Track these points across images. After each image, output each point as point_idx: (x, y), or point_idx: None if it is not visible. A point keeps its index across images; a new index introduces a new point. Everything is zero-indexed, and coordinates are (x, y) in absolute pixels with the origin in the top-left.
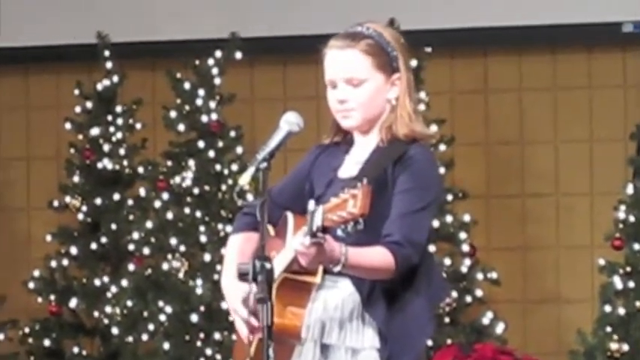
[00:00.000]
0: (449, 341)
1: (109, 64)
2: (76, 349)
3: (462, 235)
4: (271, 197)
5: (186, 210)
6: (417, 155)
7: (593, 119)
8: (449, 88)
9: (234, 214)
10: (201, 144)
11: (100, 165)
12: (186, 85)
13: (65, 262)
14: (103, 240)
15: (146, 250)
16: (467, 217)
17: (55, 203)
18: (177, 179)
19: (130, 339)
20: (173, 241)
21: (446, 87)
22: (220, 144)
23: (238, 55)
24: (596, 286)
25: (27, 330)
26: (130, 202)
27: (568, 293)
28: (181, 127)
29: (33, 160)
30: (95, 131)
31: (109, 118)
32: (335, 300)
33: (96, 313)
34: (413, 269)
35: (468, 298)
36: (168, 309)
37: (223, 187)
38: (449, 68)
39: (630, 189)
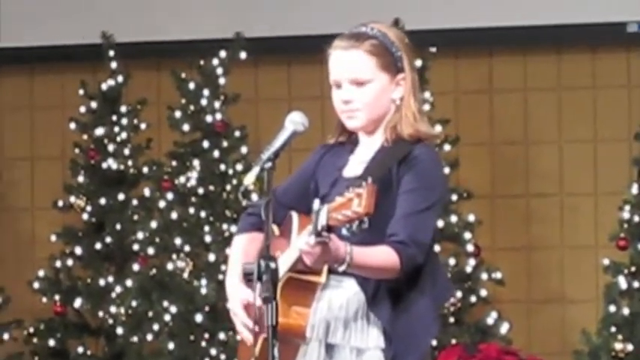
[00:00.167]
0: (453, 341)
1: (113, 64)
2: (80, 349)
3: (467, 235)
4: (276, 197)
5: (191, 210)
6: (422, 155)
7: (597, 119)
8: (453, 88)
9: (239, 214)
10: (205, 144)
11: (104, 165)
12: (191, 85)
13: (70, 262)
14: (108, 240)
15: (151, 250)
16: (471, 217)
17: (60, 203)
18: (182, 179)
19: (135, 339)
20: (178, 241)
21: (450, 87)
22: (225, 144)
23: (243, 55)
24: (600, 286)
25: (32, 330)
26: (135, 202)
27: (572, 293)
28: (186, 127)
29: (37, 160)
30: (100, 131)
31: (114, 118)
32: (340, 299)
33: (100, 313)
34: (418, 269)
35: (473, 298)
36: (173, 309)
37: (228, 187)
38: (453, 68)
39: (635, 189)
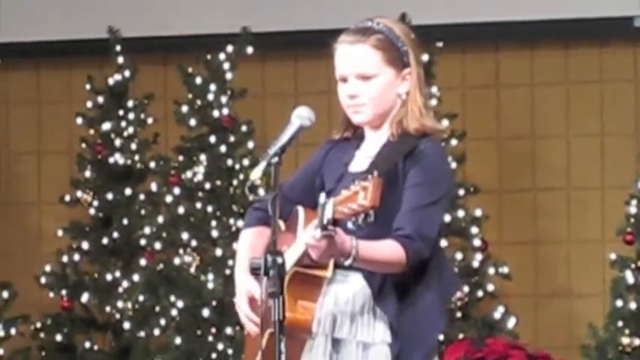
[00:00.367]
0: (460, 336)
1: (120, 59)
2: (87, 344)
3: (474, 230)
4: (282, 192)
5: (198, 205)
6: (428, 150)
7: (604, 113)
8: (460, 83)
9: (246, 209)
10: (212, 139)
11: (111, 160)
12: (198, 80)
13: (77, 257)
14: (115, 235)
15: (157, 245)
16: (478, 212)
17: (67, 198)
18: (189, 174)
19: (142, 334)
20: (184, 235)
21: (457, 82)
22: (232, 139)
23: (249, 49)
24: (607, 281)
25: (39, 325)
26: (142, 196)
27: (579, 288)
28: (193, 122)
29: (44, 155)
30: (107, 126)
31: (121, 112)
32: (346, 294)
33: (107, 308)
34: (424, 263)
35: (480, 293)
36: (180, 304)
37: (235, 182)
38: (460, 63)
39: None
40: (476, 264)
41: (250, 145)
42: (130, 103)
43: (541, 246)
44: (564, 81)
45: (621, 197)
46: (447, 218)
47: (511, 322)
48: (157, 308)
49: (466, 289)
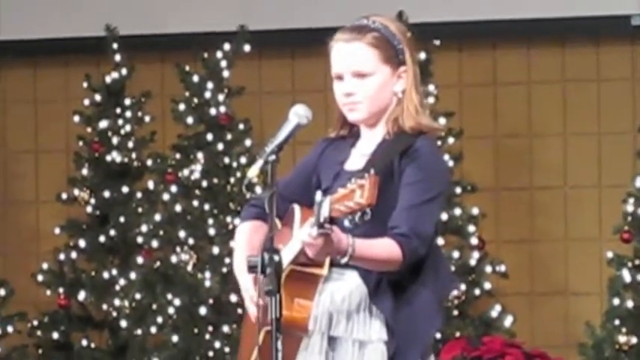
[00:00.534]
0: (457, 334)
1: (117, 57)
2: (84, 342)
3: (471, 228)
4: (278, 190)
5: (195, 203)
6: (424, 148)
7: (601, 112)
8: (457, 81)
9: (243, 207)
10: (209, 137)
11: (108, 158)
12: (195, 78)
13: (74, 254)
14: (112, 233)
15: (155, 243)
16: (475, 210)
17: (64, 196)
18: (186, 172)
19: (139, 332)
20: (182, 233)
21: (454, 80)
22: (229, 137)
23: (247, 47)
24: (604, 279)
25: (35, 323)
26: (139, 194)
27: (577, 286)
28: (190, 120)
29: (41, 153)
30: (104, 124)
31: (118, 110)
32: (342, 292)
33: (104, 306)
34: (420, 261)
35: (477, 291)
36: (177, 302)
37: (232, 180)
38: (457, 61)
39: (639, 182)
40: (473, 262)
41: (247, 143)
42: (127, 101)
43: (538, 244)
44: (561, 79)
45: (618, 195)
46: (444, 216)
47: (508, 321)
48: (154, 306)
49: (463, 287)
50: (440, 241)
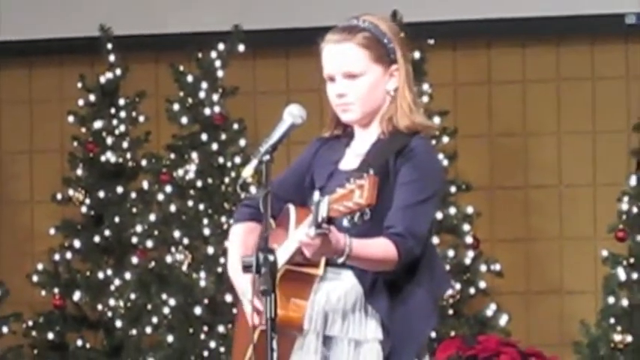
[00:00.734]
0: (452, 333)
1: (111, 57)
2: (79, 342)
3: (466, 227)
4: (272, 188)
5: (190, 203)
6: (419, 147)
7: (596, 111)
8: (452, 80)
9: (236, 207)
10: (204, 137)
11: (103, 158)
12: (189, 78)
13: (69, 255)
14: (107, 233)
15: (149, 243)
16: (470, 209)
17: (59, 196)
18: (181, 172)
19: (134, 332)
20: (176, 233)
21: (449, 79)
22: (223, 136)
23: (241, 47)
24: (599, 278)
25: (30, 323)
26: (134, 194)
27: (571, 285)
28: (184, 120)
29: (36, 154)
30: (98, 124)
31: (112, 110)
32: (338, 292)
33: (99, 306)
34: (415, 261)
35: (472, 290)
36: (172, 302)
37: (226, 180)
38: (452, 60)
39: (633, 180)
40: (467, 261)
41: (242, 142)
42: (122, 101)
43: (533, 243)
44: (556, 78)
45: (613, 194)
46: (439, 215)
47: (503, 320)
48: (149, 306)
49: (458, 286)
50: (435, 240)
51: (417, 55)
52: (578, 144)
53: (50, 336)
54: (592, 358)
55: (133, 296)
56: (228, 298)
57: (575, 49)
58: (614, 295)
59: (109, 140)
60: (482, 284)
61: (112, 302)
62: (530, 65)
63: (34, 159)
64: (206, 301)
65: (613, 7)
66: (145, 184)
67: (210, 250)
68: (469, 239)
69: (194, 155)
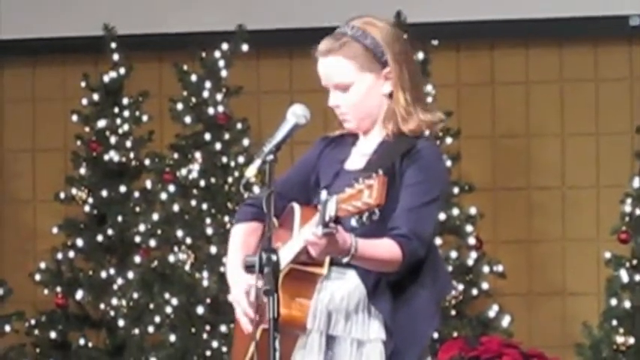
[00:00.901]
0: (455, 334)
1: (115, 56)
2: (82, 341)
3: (469, 228)
4: (276, 187)
5: (193, 202)
6: (425, 150)
7: (599, 112)
8: (455, 81)
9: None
10: (207, 136)
11: (106, 157)
12: (193, 78)
13: (71, 254)
14: (109, 232)
15: (152, 243)
16: (473, 210)
17: (62, 195)
18: (184, 171)
19: (136, 331)
20: (179, 233)
21: (452, 80)
22: (227, 136)
23: (245, 47)
24: (602, 280)
25: (33, 322)
26: (137, 194)
27: (574, 286)
28: (188, 120)
29: (39, 152)
30: (102, 123)
31: (116, 110)
32: (341, 292)
33: (102, 305)
34: (419, 263)
35: (474, 291)
36: (174, 301)
37: (230, 180)
38: (455, 61)
39: (637, 182)
40: (470, 262)
41: (245, 142)
42: (125, 101)
43: (536, 244)
44: (559, 79)
45: (616, 196)
46: (442, 216)
47: (505, 321)
48: (152, 305)
49: (460, 287)
50: (437, 240)
51: (420, 55)
52: (581, 145)
53: (53, 335)
54: None
55: (135, 295)
56: (231, 297)
57: (578, 50)
58: (617, 297)
59: (113, 139)
60: (485, 285)
61: (114, 301)
62: (533, 66)
63: (37, 158)
64: (208, 300)
65: (616, 8)
66: (148, 184)
67: (213, 249)
68: (472, 240)
69: (197, 155)
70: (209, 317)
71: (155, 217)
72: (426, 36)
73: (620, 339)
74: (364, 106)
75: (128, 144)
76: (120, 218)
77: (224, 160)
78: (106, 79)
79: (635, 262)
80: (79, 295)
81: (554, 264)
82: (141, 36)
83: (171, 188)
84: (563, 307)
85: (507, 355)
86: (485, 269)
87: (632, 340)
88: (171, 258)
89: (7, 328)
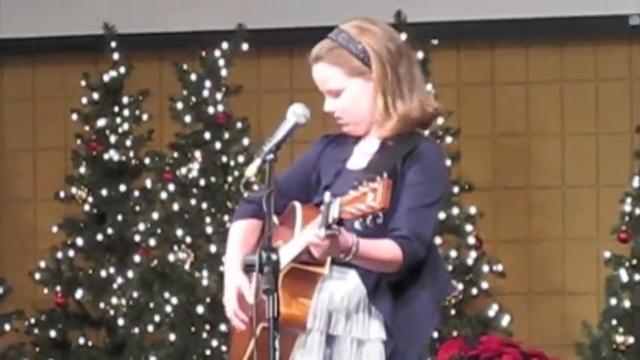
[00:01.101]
0: (454, 333)
1: (115, 56)
2: (81, 340)
3: (468, 228)
4: (276, 185)
5: (193, 201)
6: (427, 151)
7: (599, 112)
8: (455, 81)
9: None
10: (207, 135)
11: (106, 156)
12: (193, 77)
13: (71, 253)
14: (109, 231)
15: (152, 242)
16: (473, 210)
17: (62, 194)
18: (184, 170)
19: (136, 330)
20: (179, 232)
21: (452, 79)
22: (227, 135)
23: (245, 46)
24: (601, 279)
25: (33, 321)
26: (136, 193)
27: (574, 286)
28: (188, 119)
29: (39, 152)
30: (101, 122)
31: (116, 109)
32: (341, 292)
33: (102, 304)
34: (419, 263)
35: (474, 291)
36: (174, 300)
37: (229, 179)
38: (455, 60)
39: (636, 182)
40: (470, 261)
41: (245, 141)
42: (125, 100)
43: (535, 244)
44: (559, 79)
45: (616, 195)
46: (442, 215)
47: (505, 320)
48: (151, 305)
49: (460, 286)
50: (437, 240)
51: (420, 55)
52: (581, 145)
53: (52, 334)
54: None
55: (135, 294)
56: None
57: (578, 50)
58: (617, 297)
59: (113, 138)
60: (485, 285)
61: (114, 300)
62: (533, 66)
63: (37, 157)
64: (208, 299)
65: (616, 8)
66: (148, 183)
67: (213, 248)
68: (472, 240)
69: (197, 154)
70: (209, 316)
71: (155, 216)
72: (426, 35)
73: (619, 338)
74: (356, 110)
75: (128, 143)
76: (120, 217)
77: (224, 159)
78: (106, 78)
79: (634, 261)
80: (79, 294)
81: (553, 263)
82: (141, 35)
83: (171, 187)
84: (562, 307)
85: (507, 354)
86: (485, 268)
87: (631, 340)
88: (171, 257)
89: (7, 327)
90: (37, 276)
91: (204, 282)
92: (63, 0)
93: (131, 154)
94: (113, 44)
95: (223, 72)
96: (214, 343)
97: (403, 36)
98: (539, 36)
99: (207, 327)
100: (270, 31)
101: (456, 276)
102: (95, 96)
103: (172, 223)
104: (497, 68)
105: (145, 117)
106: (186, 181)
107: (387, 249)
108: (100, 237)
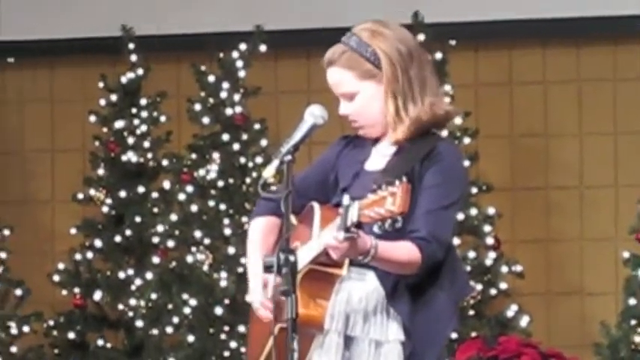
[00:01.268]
0: (473, 334)
1: (133, 57)
2: (100, 342)
3: (487, 228)
4: (294, 185)
5: (211, 203)
6: (445, 152)
7: (617, 112)
8: (473, 81)
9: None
10: (225, 137)
11: (124, 158)
12: (211, 78)
13: (89, 254)
14: (128, 233)
15: (170, 243)
16: (491, 210)
17: (80, 196)
18: (202, 172)
19: (155, 331)
20: (197, 233)
21: (470, 80)
22: (245, 137)
23: (263, 47)
24: (620, 279)
25: (51, 323)
26: (155, 194)
27: (592, 286)
28: (206, 120)
29: (58, 153)
30: (120, 124)
31: (134, 110)
32: (359, 293)
33: (120, 306)
34: (437, 265)
35: (493, 291)
36: (193, 302)
37: (248, 180)
38: (473, 61)
39: None
40: (489, 262)
41: (263, 143)
42: (143, 101)
43: (554, 244)
44: (577, 79)
45: (634, 195)
46: (460, 216)
47: (524, 321)
48: (170, 306)
49: (479, 287)
50: (456, 241)
51: (438, 56)
52: (600, 145)
53: (71, 335)
54: None
55: (153, 296)
56: (249, 298)
57: (596, 50)
58: (635, 297)
59: (131, 140)
60: (503, 285)
61: (132, 302)
62: (551, 66)
63: (55, 158)
64: (227, 301)
65: (634, 8)
66: (166, 184)
67: (231, 250)
68: (490, 240)
69: (215, 155)
70: (227, 318)
71: (173, 217)
72: (443, 36)
73: (638, 339)
74: (370, 113)
75: (146, 144)
76: (138, 219)
77: (242, 160)
78: (123, 79)
79: None
80: (97, 295)
81: (572, 263)
82: (159, 37)
83: (189, 189)
84: (581, 307)
85: (526, 354)
86: (504, 269)
87: None
88: (190, 258)
89: (26, 328)
90: (56, 278)
91: (223, 283)
92: (81, 2)
93: (149, 155)
94: (131, 46)
95: (241, 73)
96: (233, 344)
97: (421, 37)
98: (557, 36)
99: (226, 328)
100: (288, 33)
101: (475, 277)
102: (113, 98)
103: (190, 225)
104: (515, 68)
105: (162, 118)
106: (204, 182)
107: (405, 251)
108: (118, 238)
